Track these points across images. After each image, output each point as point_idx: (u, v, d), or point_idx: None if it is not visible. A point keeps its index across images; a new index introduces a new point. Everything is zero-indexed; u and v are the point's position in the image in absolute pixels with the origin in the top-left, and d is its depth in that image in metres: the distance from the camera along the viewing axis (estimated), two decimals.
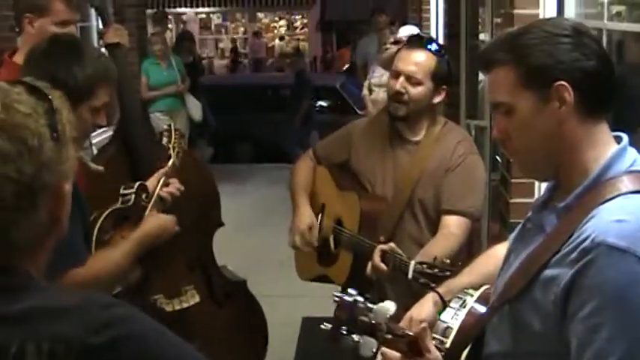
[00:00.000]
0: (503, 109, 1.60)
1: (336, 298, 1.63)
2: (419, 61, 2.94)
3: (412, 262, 2.59)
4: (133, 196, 2.58)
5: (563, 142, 1.57)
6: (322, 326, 1.62)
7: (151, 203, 2.65)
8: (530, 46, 1.56)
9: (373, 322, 1.59)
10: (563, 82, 1.53)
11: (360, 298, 1.61)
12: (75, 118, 2.29)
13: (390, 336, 1.60)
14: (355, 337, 1.60)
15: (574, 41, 1.55)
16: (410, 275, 2.57)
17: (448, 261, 2.52)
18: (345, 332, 1.60)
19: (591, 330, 1.42)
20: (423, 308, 2.06)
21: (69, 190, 1.24)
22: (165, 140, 2.88)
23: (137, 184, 2.61)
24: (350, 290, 1.64)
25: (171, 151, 2.84)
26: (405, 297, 2.39)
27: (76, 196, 1.40)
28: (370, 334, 1.60)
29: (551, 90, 1.54)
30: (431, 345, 1.68)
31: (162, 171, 2.77)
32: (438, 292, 2.06)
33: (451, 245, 2.80)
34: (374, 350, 1.61)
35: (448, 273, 2.47)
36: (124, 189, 2.59)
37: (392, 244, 2.74)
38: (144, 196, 2.62)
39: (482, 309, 1.82)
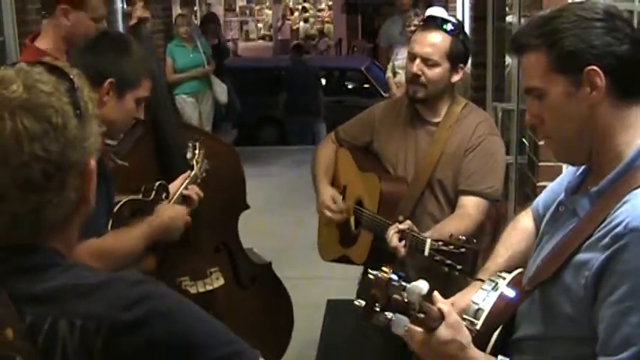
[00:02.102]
0: (536, 94, 1.60)
1: (371, 276, 1.62)
2: (434, 42, 2.92)
3: (428, 240, 2.59)
4: (153, 193, 2.60)
5: (596, 126, 1.56)
6: (356, 302, 1.62)
7: (171, 203, 2.68)
8: (561, 30, 1.55)
9: (406, 300, 1.59)
10: (594, 67, 1.52)
11: (394, 276, 1.61)
12: (120, 106, 2.38)
13: (422, 315, 1.60)
14: (388, 314, 1.60)
15: (606, 25, 1.53)
16: (426, 253, 2.57)
17: (464, 238, 2.52)
18: (378, 309, 1.60)
19: (621, 314, 1.42)
20: (468, 296, 2.04)
21: (94, 166, 1.25)
22: (189, 155, 2.90)
23: (157, 183, 2.63)
24: (384, 268, 1.64)
25: (195, 164, 2.87)
26: (425, 275, 2.38)
27: (102, 172, 1.41)
28: (403, 313, 1.60)
29: (583, 75, 1.53)
30: (456, 315, 1.68)
31: (183, 176, 2.80)
32: (482, 280, 2.04)
33: (465, 225, 2.79)
34: (406, 328, 1.61)
35: (463, 250, 2.49)
36: (146, 187, 2.62)
37: (409, 222, 2.74)
38: (164, 195, 2.65)
39: (513, 293, 1.82)
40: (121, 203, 2.46)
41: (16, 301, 1.15)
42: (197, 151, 2.92)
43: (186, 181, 2.79)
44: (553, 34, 1.55)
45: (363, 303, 1.62)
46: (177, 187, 2.75)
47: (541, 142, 3.28)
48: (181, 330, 1.18)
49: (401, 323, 1.60)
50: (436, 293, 1.70)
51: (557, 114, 1.58)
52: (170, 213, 2.60)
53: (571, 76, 1.54)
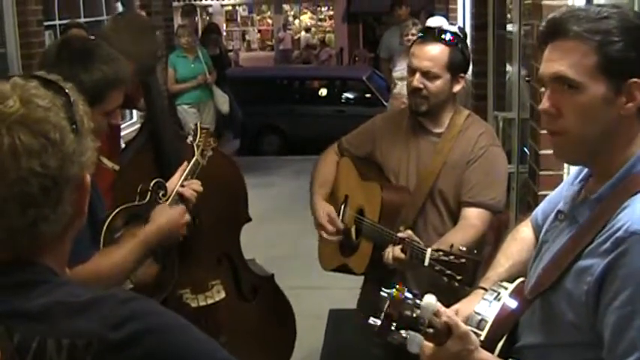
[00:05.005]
0: (568, 84, 1.54)
1: (384, 294, 1.61)
2: (433, 54, 2.90)
3: (428, 250, 2.57)
4: (149, 193, 2.53)
5: (618, 135, 1.55)
6: (371, 321, 1.61)
7: (168, 202, 2.57)
8: (616, 34, 1.51)
9: (415, 315, 1.58)
10: (638, 80, 1.50)
11: (409, 294, 1.60)
12: None
13: (431, 330, 1.59)
14: (403, 333, 1.59)
15: None
16: (426, 263, 2.56)
17: (464, 248, 2.51)
18: (393, 328, 1.59)
19: (626, 318, 1.42)
20: (471, 304, 2.04)
21: (89, 181, 1.25)
22: (190, 139, 2.82)
23: (154, 181, 2.56)
24: (397, 286, 1.63)
25: (195, 149, 2.78)
26: (425, 285, 2.38)
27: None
28: (412, 327, 1.59)
29: (625, 84, 1.51)
30: (463, 325, 1.67)
31: (182, 168, 2.70)
32: (484, 289, 2.04)
33: (469, 236, 2.78)
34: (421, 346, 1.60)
35: (464, 260, 2.47)
36: (142, 187, 2.55)
37: (409, 232, 2.72)
38: (161, 193, 2.56)
39: (515, 303, 1.81)
40: (112, 215, 2.35)
41: (5, 319, 1.14)
42: (198, 134, 2.83)
43: (185, 172, 2.68)
44: (608, 35, 1.51)
45: (379, 322, 1.61)
46: (175, 181, 2.65)
47: (542, 152, 3.29)
48: (173, 348, 1.17)
49: (415, 340, 1.59)
50: (440, 307, 1.67)
51: (585, 113, 1.54)
52: (165, 216, 2.48)
53: (614, 82, 1.51)
